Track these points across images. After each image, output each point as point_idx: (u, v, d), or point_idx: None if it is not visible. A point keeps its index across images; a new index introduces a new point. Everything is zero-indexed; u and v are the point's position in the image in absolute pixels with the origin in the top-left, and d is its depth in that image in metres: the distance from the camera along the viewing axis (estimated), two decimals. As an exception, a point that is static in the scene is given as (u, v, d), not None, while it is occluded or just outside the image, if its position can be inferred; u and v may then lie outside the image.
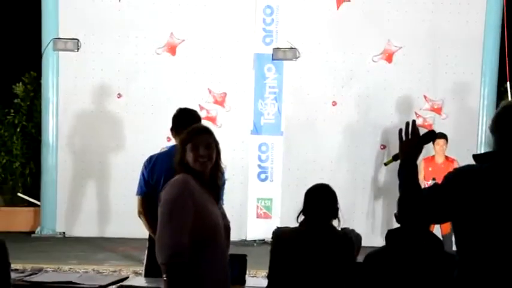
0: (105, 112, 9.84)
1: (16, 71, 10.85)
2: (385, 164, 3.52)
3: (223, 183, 4.82)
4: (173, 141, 8.04)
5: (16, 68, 10.86)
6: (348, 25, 9.71)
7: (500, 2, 9.51)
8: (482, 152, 3.07)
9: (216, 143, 3.64)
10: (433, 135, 3.17)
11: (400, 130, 3.08)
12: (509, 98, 9.13)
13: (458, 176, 2.89)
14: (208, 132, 3.64)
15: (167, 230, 3.33)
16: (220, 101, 9.85)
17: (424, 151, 9.93)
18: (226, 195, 4.92)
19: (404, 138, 3.07)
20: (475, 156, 2.92)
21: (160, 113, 9.22)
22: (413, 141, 3.07)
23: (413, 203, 2.94)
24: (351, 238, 4.05)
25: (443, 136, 8.63)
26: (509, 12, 9.24)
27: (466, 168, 2.92)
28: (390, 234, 3.80)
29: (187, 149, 3.53)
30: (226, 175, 4.92)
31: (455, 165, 8.38)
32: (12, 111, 10.76)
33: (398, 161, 3.12)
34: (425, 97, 9.78)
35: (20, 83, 10.78)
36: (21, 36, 10.95)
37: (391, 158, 3.29)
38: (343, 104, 9.79)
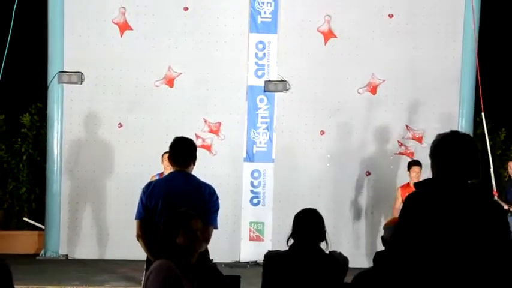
0: (107, 141, 9.83)
1: (23, 102, 10.86)
2: None
3: (217, 209, 4.82)
4: (161, 168, 8.13)
5: (23, 99, 10.87)
6: (334, 60, 9.78)
7: (475, 39, 9.62)
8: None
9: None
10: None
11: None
12: (485, 127, 9.20)
13: (407, 206, 2.95)
14: (198, 217, 3.61)
15: None
16: (215, 130, 9.87)
17: (399, 178, 9.81)
18: (220, 218, 4.91)
19: None
20: (415, 184, 3.04)
21: (159, 141, 9.22)
22: None
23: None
24: (338, 260, 4.04)
25: (417, 164, 8.67)
26: (481, 50, 9.34)
27: (412, 196, 2.99)
28: (378, 256, 3.79)
29: (183, 231, 3.45)
30: (221, 201, 4.93)
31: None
32: (19, 140, 10.75)
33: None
34: (407, 127, 9.82)
35: (27, 114, 10.79)
36: (28, 70, 10.98)
37: None
38: (330, 133, 9.82)
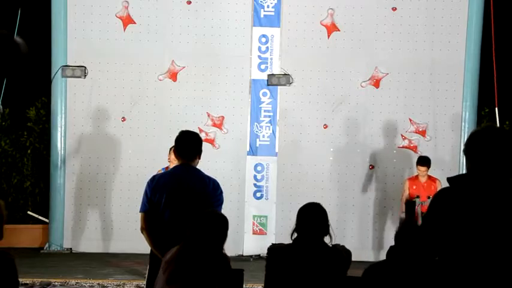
0: (110, 135, 9.84)
1: (29, 96, 10.84)
2: None
3: (221, 203, 4.83)
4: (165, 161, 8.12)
5: (29, 94, 10.85)
6: (338, 53, 9.76)
7: (479, 32, 9.60)
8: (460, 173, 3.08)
9: None
10: (412, 204, 3.17)
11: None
12: (498, 122, 9.19)
13: (437, 200, 2.87)
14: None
15: None
16: (218, 124, 9.87)
17: (402, 172, 9.89)
18: (224, 212, 4.92)
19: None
20: (449, 179, 2.87)
21: (162, 135, 9.23)
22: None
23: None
24: (341, 253, 4.04)
25: (424, 164, 8.56)
26: (496, 39, 9.28)
27: (443, 191, 2.91)
28: (391, 251, 3.78)
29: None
30: (225, 194, 4.94)
31: (437, 184, 8.43)
32: (25, 133, 10.76)
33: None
34: (410, 120, 9.81)
35: (33, 108, 10.79)
36: (34, 64, 10.94)
37: None
38: (333, 127, 9.81)
